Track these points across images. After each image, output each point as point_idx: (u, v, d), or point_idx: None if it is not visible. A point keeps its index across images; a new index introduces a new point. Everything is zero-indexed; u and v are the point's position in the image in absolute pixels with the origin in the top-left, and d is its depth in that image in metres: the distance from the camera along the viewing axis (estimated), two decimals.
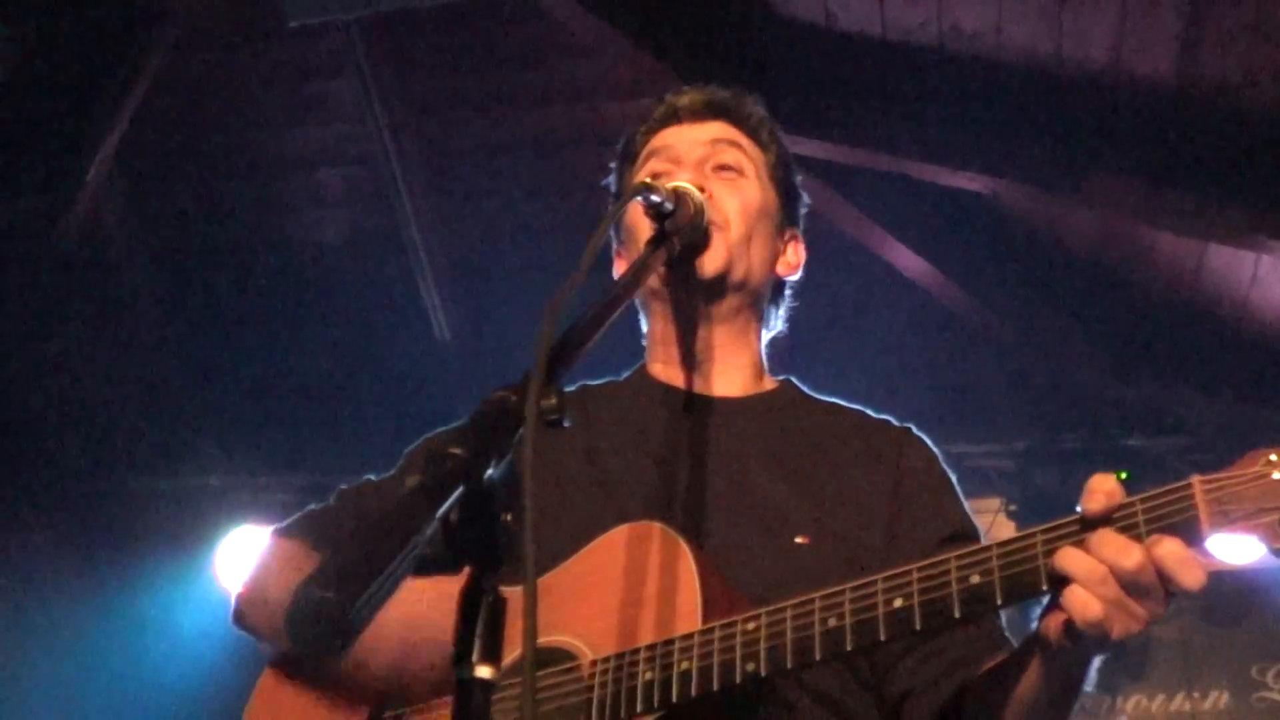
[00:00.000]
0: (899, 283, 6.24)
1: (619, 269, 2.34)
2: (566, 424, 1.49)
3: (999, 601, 1.70)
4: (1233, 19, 4.68)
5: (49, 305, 6.43)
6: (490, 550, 1.36)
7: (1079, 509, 1.67)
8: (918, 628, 1.72)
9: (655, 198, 1.99)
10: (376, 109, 6.06)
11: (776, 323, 2.42)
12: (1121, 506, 1.67)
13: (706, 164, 2.30)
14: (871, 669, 2.06)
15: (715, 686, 1.78)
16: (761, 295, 2.34)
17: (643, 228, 2.11)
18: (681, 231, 2.04)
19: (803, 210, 2.46)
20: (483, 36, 5.91)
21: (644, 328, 2.39)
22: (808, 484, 2.16)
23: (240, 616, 2.28)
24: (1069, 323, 6.24)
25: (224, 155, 6.48)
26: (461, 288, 6.81)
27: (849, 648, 1.74)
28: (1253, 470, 1.63)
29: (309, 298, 6.86)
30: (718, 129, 2.35)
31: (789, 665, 1.77)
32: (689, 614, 1.85)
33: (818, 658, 1.76)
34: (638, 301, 2.33)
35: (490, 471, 1.38)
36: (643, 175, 2.29)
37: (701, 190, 2.13)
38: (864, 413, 2.32)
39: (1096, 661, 1.79)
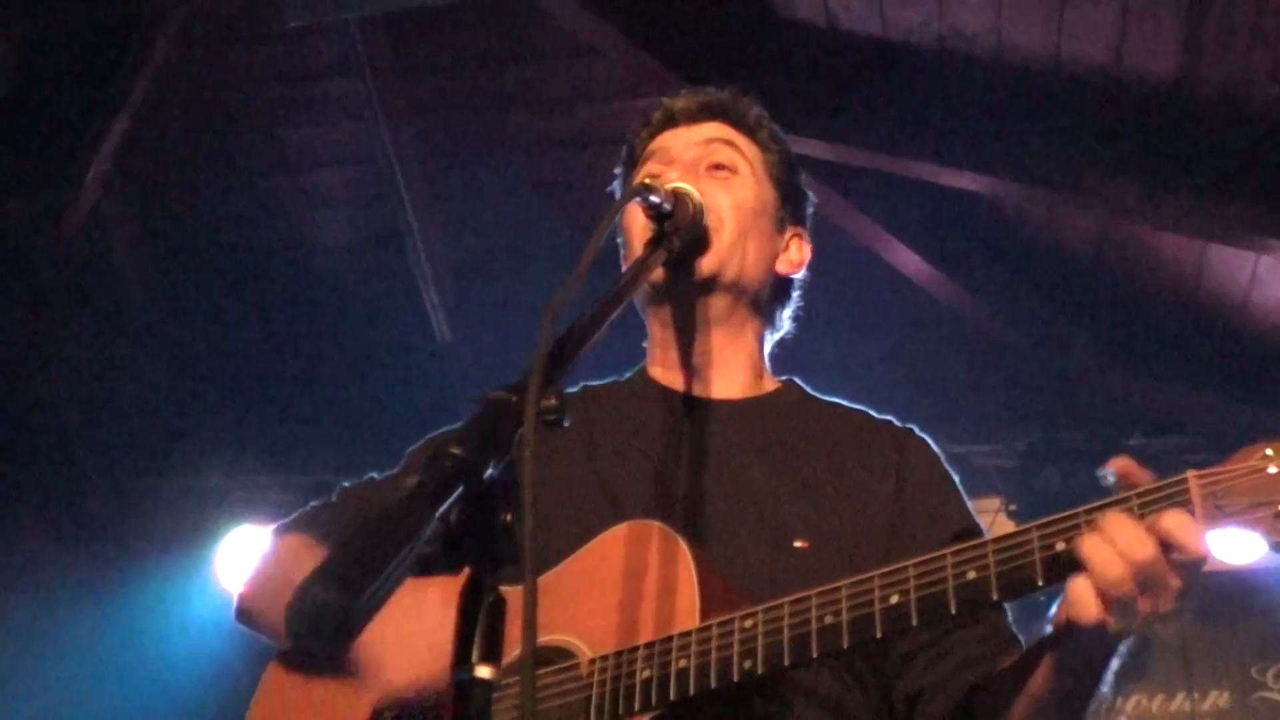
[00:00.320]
0: (899, 283, 6.23)
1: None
2: (566, 424, 1.49)
3: (995, 597, 1.71)
4: (1233, 19, 4.68)
5: (49, 305, 6.43)
6: (490, 550, 1.36)
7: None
8: (914, 623, 1.73)
9: (654, 199, 2.00)
10: (376, 109, 6.06)
11: (783, 323, 2.42)
12: (1117, 501, 1.68)
13: (700, 164, 2.30)
14: (880, 670, 2.06)
15: (713, 684, 1.78)
16: (759, 294, 2.34)
17: (642, 229, 2.12)
18: (680, 232, 2.04)
19: (809, 209, 2.46)
20: (483, 36, 5.91)
21: (648, 329, 2.39)
22: (808, 487, 2.16)
23: (243, 614, 2.29)
24: (1069, 323, 6.24)
25: (224, 155, 6.48)
26: (461, 288, 6.81)
27: (846, 644, 1.75)
28: (1247, 465, 1.64)
29: (309, 298, 6.86)
30: (713, 129, 2.36)
31: (786, 662, 1.77)
32: (687, 612, 1.85)
33: (815, 654, 1.76)
34: (638, 303, 2.34)
35: (490, 471, 1.38)
36: (640, 178, 2.29)
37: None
38: (867, 413, 2.32)
39: (1114, 664, 1.80)
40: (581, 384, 2.36)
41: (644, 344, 2.40)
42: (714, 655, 1.79)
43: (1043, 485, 6.32)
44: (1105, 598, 1.64)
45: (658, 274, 2.16)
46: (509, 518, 1.38)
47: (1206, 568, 1.69)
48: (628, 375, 2.40)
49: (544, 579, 1.97)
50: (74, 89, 5.65)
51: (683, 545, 1.91)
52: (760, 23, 5.48)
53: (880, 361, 6.31)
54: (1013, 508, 6.39)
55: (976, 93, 5.32)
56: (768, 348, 2.40)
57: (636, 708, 1.81)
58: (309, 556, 2.16)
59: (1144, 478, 1.70)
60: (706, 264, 2.20)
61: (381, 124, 6.11)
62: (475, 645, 1.33)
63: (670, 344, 2.30)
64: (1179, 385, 6.22)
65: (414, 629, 1.96)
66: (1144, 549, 1.62)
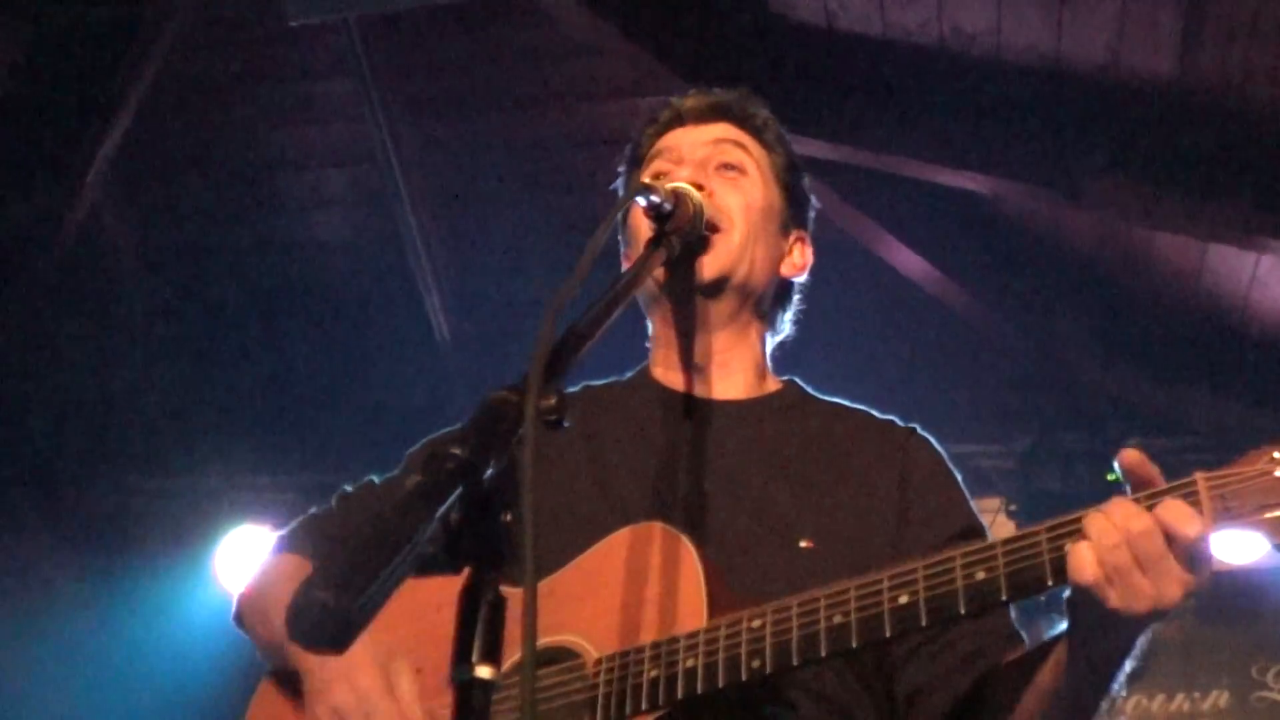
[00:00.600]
0: (899, 283, 6.23)
1: None
2: (567, 424, 1.49)
3: (1004, 597, 1.72)
4: (1233, 19, 4.68)
5: (49, 305, 6.43)
6: (490, 550, 1.36)
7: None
8: (924, 623, 1.73)
9: (654, 198, 2.00)
10: (376, 109, 6.06)
11: (784, 325, 2.43)
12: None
13: (709, 164, 2.30)
14: (880, 666, 2.06)
15: (721, 683, 1.78)
16: (764, 296, 2.34)
17: (644, 228, 2.12)
18: (681, 231, 2.04)
19: (811, 213, 2.47)
20: (483, 36, 5.91)
21: (650, 329, 2.39)
22: (811, 487, 2.16)
23: (240, 619, 2.29)
24: (1069, 323, 6.24)
25: (224, 155, 6.48)
26: (461, 288, 6.81)
27: (855, 644, 1.75)
28: (1256, 468, 1.67)
29: (309, 298, 6.86)
30: (721, 130, 2.36)
31: (795, 662, 1.77)
32: (694, 612, 1.85)
33: (824, 654, 1.76)
34: (641, 303, 2.34)
35: (490, 471, 1.38)
36: (646, 176, 2.29)
37: (701, 189, 2.13)
38: (869, 413, 2.32)
39: (1127, 665, 1.80)
40: (582, 384, 2.36)
41: (646, 344, 2.40)
42: (722, 655, 1.79)
43: (1043, 485, 6.31)
44: (1105, 569, 1.65)
45: (660, 273, 2.16)
46: (509, 518, 1.38)
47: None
48: (628, 376, 2.40)
49: (547, 581, 1.97)
50: (74, 89, 5.64)
51: (688, 546, 1.91)
52: (760, 22, 5.48)
53: (880, 361, 6.31)
54: (1013, 508, 6.38)
55: (976, 93, 5.32)
56: (769, 349, 2.40)
57: (643, 707, 1.81)
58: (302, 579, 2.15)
59: (1151, 471, 1.71)
60: (714, 264, 2.20)
61: (382, 124, 6.10)
62: (475, 646, 1.33)
63: (673, 344, 2.30)
64: (1179, 385, 6.22)
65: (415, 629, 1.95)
66: (1140, 521, 1.65)
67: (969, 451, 6.17)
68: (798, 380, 2.40)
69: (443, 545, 1.33)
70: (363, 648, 1.74)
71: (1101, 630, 1.74)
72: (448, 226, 6.62)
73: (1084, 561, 1.66)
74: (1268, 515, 1.63)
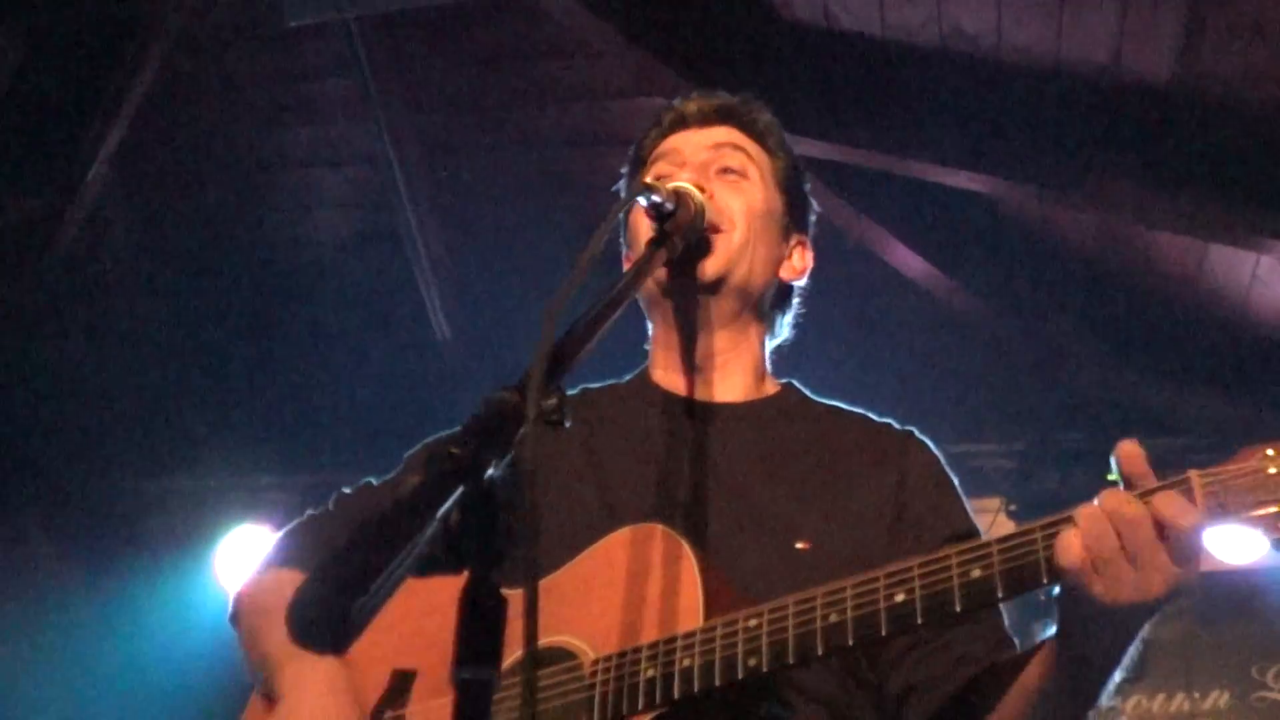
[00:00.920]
0: (899, 283, 6.23)
1: None
2: (568, 424, 1.49)
3: (1000, 595, 1.72)
4: (1233, 19, 4.68)
5: (49, 305, 6.44)
6: (490, 551, 1.36)
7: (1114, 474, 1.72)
8: (919, 622, 1.73)
9: (655, 198, 2.00)
10: (376, 109, 6.06)
11: (783, 329, 2.43)
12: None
13: (711, 167, 2.31)
14: (873, 667, 2.07)
15: (717, 682, 1.78)
16: (763, 298, 2.35)
17: (645, 229, 2.12)
18: (682, 232, 2.04)
19: (812, 218, 2.47)
20: (483, 36, 5.91)
21: (650, 330, 2.40)
22: (809, 489, 2.17)
23: (236, 620, 2.30)
24: (1069, 323, 6.24)
25: (224, 155, 6.48)
26: (461, 288, 6.81)
27: (851, 642, 1.75)
28: (1249, 465, 1.67)
29: (309, 298, 6.86)
30: (724, 133, 2.37)
31: (791, 660, 1.77)
32: (691, 612, 1.85)
33: (820, 652, 1.76)
34: (642, 304, 2.34)
35: (490, 472, 1.38)
36: (648, 178, 2.30)
37: (702, 190, 2.13)
38: (866, 416, 2.33)
39: (1116, 675, 1.80)
40: (581, 387, 2.36)
41: (646, 346, 2.41)
42: (718, 654, 1.80)
43: (1043, 485, 6.32)
44: (1090, 554, 1.65)
45: (661, 274, 2.17)
46: (509, 518, 1.38)
47: (1207, 568, 1.70)
48: (627, 378, 2.41)
49: (546, 582, 1.97)
50: (74, 89, 5.64)
51: (685, 547, 1.91)
52: (760, 22, 5.48)
53: (880, 361, 6.31)
54: (1013, 508, 6.38)
55: (976, 93, 5.32)
56: (768, 352, 2.40)
57: (640, 706, 1.81)
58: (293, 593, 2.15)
59: (1145, 469, 1.71)
60: (714, 265, 2.21)
61: (382, 124, 6.11)
62: (475, 646, 1.33)
63: (673, 346, 2.30)
64: (1179, 385, 6.22)
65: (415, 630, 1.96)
66: (1130, 509, 1.65)
67: (969, 451, 6.18)
68: (796, 383, 2.40)
69: (443, 546, 1.33)
70: (334, 688, 1.75)
71: (1087, 625, 1.74)
72: (448, 227, 6.62)
73: (1069, 545, 1.66)
74: (1261, 511, 1.63)
